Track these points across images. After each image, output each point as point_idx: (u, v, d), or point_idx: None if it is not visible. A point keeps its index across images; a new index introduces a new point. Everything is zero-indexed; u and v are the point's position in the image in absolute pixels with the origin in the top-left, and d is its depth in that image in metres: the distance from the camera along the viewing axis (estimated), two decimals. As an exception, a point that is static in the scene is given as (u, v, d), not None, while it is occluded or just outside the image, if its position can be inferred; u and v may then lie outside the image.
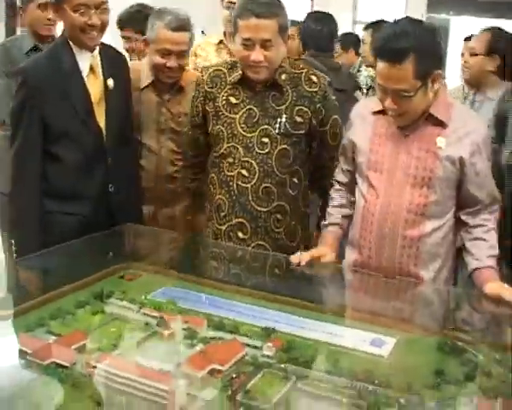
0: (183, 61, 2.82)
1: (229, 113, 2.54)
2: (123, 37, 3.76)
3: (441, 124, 2.17)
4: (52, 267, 2.26)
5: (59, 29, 3.23)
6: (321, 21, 4.01)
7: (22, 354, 1.58)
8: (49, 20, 3.41)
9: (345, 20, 10.56)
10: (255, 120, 2.51)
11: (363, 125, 2.30)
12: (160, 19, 2.79)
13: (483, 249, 2.17)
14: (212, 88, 2.59)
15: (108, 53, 2.62)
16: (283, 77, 2.52)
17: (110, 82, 2.57)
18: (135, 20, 3.69)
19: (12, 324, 1.85)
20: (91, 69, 2.53)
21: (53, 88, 2.46)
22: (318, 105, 2.52)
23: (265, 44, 2.40)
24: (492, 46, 3.53)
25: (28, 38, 3.47)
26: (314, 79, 2.55)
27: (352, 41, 6.19)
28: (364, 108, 2.35)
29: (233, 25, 2.47)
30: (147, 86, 2.90)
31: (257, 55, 2.40)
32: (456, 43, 10.06)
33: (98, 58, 2.56)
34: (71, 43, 2.50)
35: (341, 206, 2.44)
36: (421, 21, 2.17)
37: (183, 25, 2.78)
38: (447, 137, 2.16)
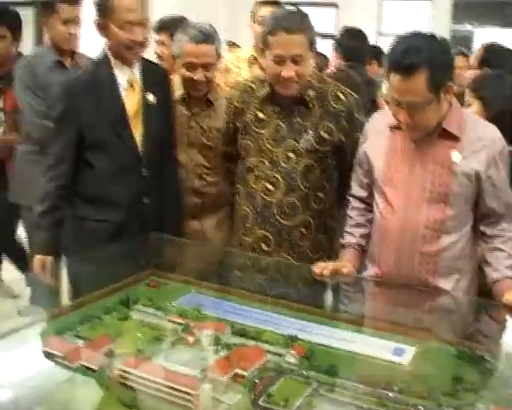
0: (209, 73, 2.85)
1: (257, 128, 2.60)
2: (156, 41, 3.77)
3: (455, 138, 2.17)
4: (81, 274, 2.33)
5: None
6: (358, 36, 4.45)
7: (52, 356, 1.64)
8: (70, 34, 3.43)
9: (369, 32, 10.57)
10: (282, 135, 2.55)
11: (379, 139, 2.31)
12: (184, 33, 2.85)
13: (501, 260, 2.18)
14: (241, 103, 2.65)
15: (149, 68, 2.70)
16: (310, 93, 2.55)
17: (149, 97, 2.64)
18: (173, 26, 3.76)
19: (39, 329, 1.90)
20: (130, 84, 2.61)
21: (90, 100, 2.55)
22: (344, 122, 2.55)
23: (296, 60, 2.44)
24: (484, 59, 3.85)
25: (51, 53, 3.47)
26: (341, 96, 2.58)
27: (375, 53, 6.24)
28: (380, 121, 2.34)
29: (263, 41, 2.50)
30: (178, 100, 2.94)
31: (288, 70, 2.44)
32: (481, 54, 10.07)
33: (138, 73, 2.64)
34: (111, 58, 2.59)
35: (358, 225, 2.43)
36: (432, 35, 2.17)
37: (206, 37, 2.81)
38: (462, 150, 2.16)
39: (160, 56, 3.75)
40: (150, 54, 3.06)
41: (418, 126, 2.14)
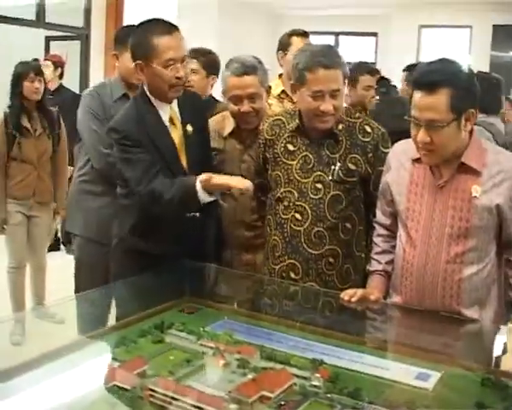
0: (256, 104, 2.89)
1: (287, 159, 2.66)
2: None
3: (476, 172, 2.19)
4: (119, 299, 2.43)
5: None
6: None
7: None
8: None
9: (409, 60, 10.61)
10: (310, 166, 2.62)
11: (401, 171, 2.35)
12: (227, 69, 2.93)
13: None
14: (271, 136, 2.72)
15: (185, 98, 2.71)
16: (340, 126, 2.61)
17: (189, 128, 2.69)
18: (204, 55, 3.88)
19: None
20: (171, 120, 2.67)
21: (145, 141, 2.58)
22: (370, 155, 2.60)
23: (334, 94, 2.50)
24: None
25: (118, 86, 3.47)
26: (368, 129, 2.63)
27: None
28: (402, 154, 2.37)
29: (298, 77, 2.55)
30: (229, 134, 3.01)
31: (327, 105, 2.50)
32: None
33: (176, 107, 2.69)
34: (151, 98, 2.63)
35: (384, 252, 2.47)
36: (458, 62, 2.20)
37: (247, 69, 2.87)
38: (483, 184, 2.18)
39: (190, 84, 3.82)
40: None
41: (435, 150, 2.15)
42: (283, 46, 4.17)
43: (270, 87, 3.04)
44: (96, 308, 2.44)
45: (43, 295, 4.94)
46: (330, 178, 2.59)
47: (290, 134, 2.68)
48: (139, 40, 2.59)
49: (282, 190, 2.66)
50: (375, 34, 11.69)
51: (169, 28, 2.57)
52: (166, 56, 2.52)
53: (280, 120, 2.75)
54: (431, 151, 2.16)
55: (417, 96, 2.12)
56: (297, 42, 4.02)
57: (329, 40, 12.14)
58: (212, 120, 3.07)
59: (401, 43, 10.69)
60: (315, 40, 13.29)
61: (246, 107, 2.88)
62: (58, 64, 6.63)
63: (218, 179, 2.49)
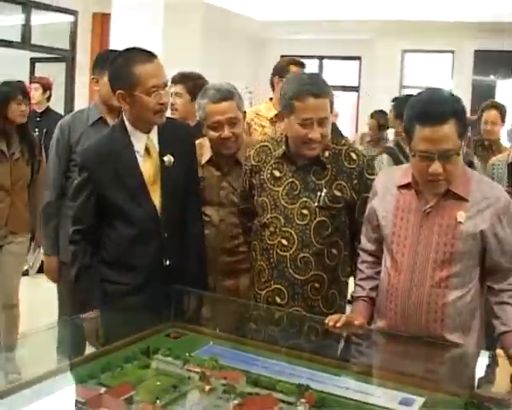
0: (235, 129, 2.93)
1: (273, 185, 2.69)
2: (171, 93, 3.75)
3: (462, 199, 2.23)
4: (103, 325, 2.43)
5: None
6: None
7: (78, 403, 1.73)
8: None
9: (392, 85, 10.76)
10: (296, 192, 2.65)
11: (387, 196, 2.38)
12: (204, 97, 2.96)
13: (509, 313, 2.23)
14: (258, 162, 2.75)
15: (167, 128, 2.68)
16: (326, 154, 2.65)
17: (166, 159, 2.64)
18: (190, 80, 3.91)
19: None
20: (146, 150, 2.65)
21: (108, 170, 2.60)
22: (355, 181, 2.63)
23: (322, 122, 2.54)
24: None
25: (95, 110, 3.51)
26: (353, 156, 2.67)
27: (386, 122, 6.51)
28: (389, 179, 2.41)
29: (286, 106, 2.58)
30: (207, 162, 3.02)
31: (315, 133, 2.53)
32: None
33: (155, 137, 2.67)
34: (127, 125, 2.63)
35: (368, 278, 2.49)
36: (447, 90, 2.29)
37: (225, 95, 2.91)
38: (468, 210, 2.22)
39: (174, 108, 3.86)
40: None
41: (447, 177, 2.18)
42: (279, 71, 4.20)
43: (245, 112, 3.06)
44: (82, 333, 2.43)
45: (11, 339, 4.10)
46: (316, 204, 2.62)
47: (276, 160, 2.71)
48: (119, 70, 2.58)
49: (268, 215, 2.68)
50: (358, 58, 11.80)
51: (148, 57, 2.58)
52: (149, 84, 2.52)
53: (266, 146, 2.78)
54: (442, 181, 2.19)
55: (425, 130, 2.12)
56: (295, 71, 4.05)
57: (313, 64, 12.28)
58: None
59: (384, 67, 10.81)
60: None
61: (227, 132, 2.90)
62: (47, 86, 6.63)
63: None
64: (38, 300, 4.95)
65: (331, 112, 2.61)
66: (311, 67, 12.25)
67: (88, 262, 2.66)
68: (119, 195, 2.61)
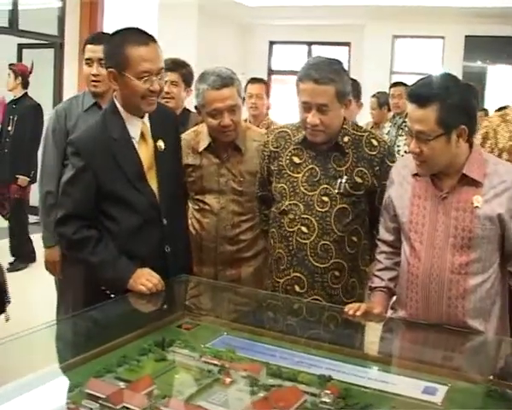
0: (235, 116, 2.84)
1: (292, 172, 2.65)
2: (166, 81, 3.61)
3: (477, 183, 2.22)
4: (113, 318, 2.38)
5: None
6: None
7: (95, 398, 1.68)
8: (93, 75, 3.37)
9: (382, 70, 10.73)
10: (316, 179, 2.61)
11: (403, 185, 2.37)
12: (203, 82, 2.84)
13: None
14: (276, 148, 2.70)
15: (158, 112, 2.61)
16: (345, 139, 2.62)
17: (160, 144, 2.60)
18: (184, 68, 3.85)
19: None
20: (142, 135, 2.58)
21: (105, 157, 2.51)
22: (376, 168, 2.60)
23: (322, 109, 2.49)
24: None
25: (89, 95, 3.46)
26: (374, 142, 2.64)
27: (386, 100, 6.94)
28: (404, 168, 2.41)
29: (296, 86, 2.56)
30: (205, 149, 2.95)
31: (312, 118, 2.50)
32: (493, 90, 10.16)
33: (148, 123, 2.60)
34: (121, 110, 2.55)
35: (386, 268, 2.48)
36: (456, 78, 2.25)
37: (226, 81, 2.81)
38: (484, 194, 2.21)
39: (170, 96, 3.75)
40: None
41: (426, 162, 2.20)
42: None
43: (244, 99, 2.97)
44: (92, 327, 2.38)
45: None
46: (337, 191, 2.58)
47: (296, 146, 2.67)
48: (113, 48, 2.50)
49: (287, 202, 2.64)
50: (348, 44, 11.76)
51: (146, 39, 2.48)
52: (140, 68, 2.43)
53: (285, 132, 2.74)
54: (422, 162, 2.22)
55: (410, 107, 2.19)
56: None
57: (302, 50, 12.23)
58: (184, 135, 3.01)
59: (374, 53, 10.78)
60: (288, 49, 13.33)
61: (227, 120, 2.81)
62: (18, 72, 6.66)
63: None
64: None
65: (341, 101, 2.54)
66: (300, 52, 12.24)
67: (97, 236, 2.53)
68: (119, 183, 2.52)
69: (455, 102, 2.14)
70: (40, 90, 6.91)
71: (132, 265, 2.48)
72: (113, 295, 2.51)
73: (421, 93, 2.16)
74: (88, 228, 2.53)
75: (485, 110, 6.95)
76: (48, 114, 4.11)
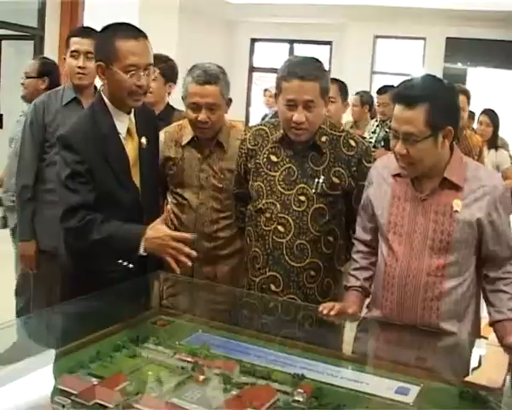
0: (214, 116, 2.82)
1: (270, 170, 2.64)
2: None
3: (457, 187, 2.23)
4: (87, 313, 2.36)
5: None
6: None
7: (67, 394, 1.66)
8: (79, 68, 3.37)
9: (363, 70, 10.77)
10: (293, 178, 2.61)
11: (383, 186, 2.37)
12: (189, 74, 2.86)
13: (504, 301, 2.24)
14: (254, 146, 2.70)
15: (141, 111, 2.64)
16: (323, 139, 2.61)
17: (143, 140, 2.61)
18: (163, 62, 3.83)
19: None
20: (128, 131, 2.58)
21: (95, 152, 2.49)
22: (354, 168, 2.60)
23: (308, 105, 2.49)
24: None
25: (70, 90, 3.45)
26: (352, 143, 2.64)
27: (369, 99, 7.04)
28: (384, 168, 2.40)
29: (277, 86, 2.55)
30: (188, 143, 2.94)
31: (299, 115, 2.49)
32: (473, 93, 10.22)
33: (133, 119, 2.60)
34: (109, 105, 2.54)
35: (362, 268, 2.49)
36: (441, 79, 2.27)
37: (210, 78, 2.80)
38: (464, 198, 2.22)
39: (149, 91, 3.75)
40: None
41: (413, 164, 2.19)
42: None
43: (230, 100, 2.96)
44: (67, 321, 2.36)
45: None
46: (314, 190, 2.58)
47: (273, 145, 2.66)
48: (103, 41, 2.51)
49: (263, 201, 2.64)
50: (329, 43, 11.77)
51: (136, 33, 2.49)
52: (128, 61, 2.43)
53: (263, 130, 2.73)
54: (408, 164, 2.20)
55: (396, 108, 2.17)
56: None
57: (284, 48, 12.23)
58: (168, 128, 3.02)
59: (356, 52, 10.81)
60: (269, 47, 13.27)
61: (203, 116, 2.81)
62: None
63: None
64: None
65: (324, 99, 2.55)
66: (281, 50, 12.24)
67: (101, 217, 2.46)
68: (107, 178, 2.51)
69: (442, 103, 2.14)
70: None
71: (141, 228, 2.43)
72: (131, 265, 2.48)
73: (410, 94, 2.14)
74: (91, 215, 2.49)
75: (473, 113, 6.89)
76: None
